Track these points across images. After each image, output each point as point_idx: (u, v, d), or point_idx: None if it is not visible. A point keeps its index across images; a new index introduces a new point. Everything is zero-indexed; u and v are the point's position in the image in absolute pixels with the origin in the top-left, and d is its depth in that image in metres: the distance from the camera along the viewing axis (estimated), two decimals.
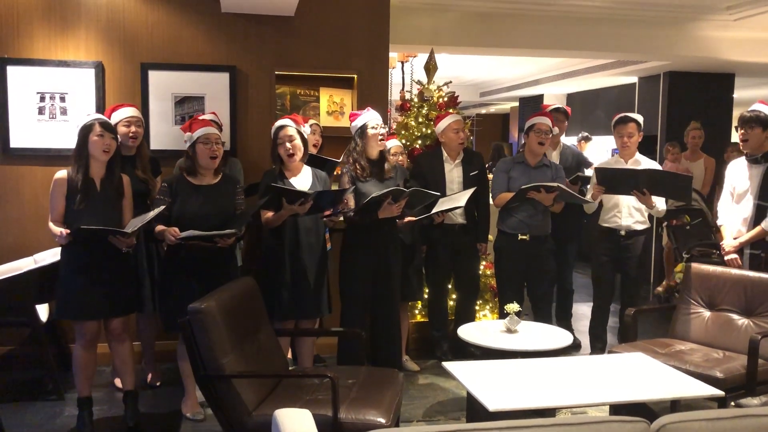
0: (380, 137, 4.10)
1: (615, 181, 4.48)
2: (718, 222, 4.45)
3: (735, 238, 4.24)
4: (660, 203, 4.55)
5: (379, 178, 4.11)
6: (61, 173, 3.54)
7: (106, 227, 3.44)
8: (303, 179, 3.91)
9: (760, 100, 4.24)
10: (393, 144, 4.62)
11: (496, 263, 4.88)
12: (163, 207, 3.55)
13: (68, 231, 3.42)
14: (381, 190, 3.91)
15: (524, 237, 4.60)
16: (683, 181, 4.55)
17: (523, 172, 4.67)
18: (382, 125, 4.14)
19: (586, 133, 9.39)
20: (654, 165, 4.70)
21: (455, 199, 4.47)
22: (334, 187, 4.35)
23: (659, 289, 7.08)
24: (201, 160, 3.66)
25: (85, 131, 3.51)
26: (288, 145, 3.79)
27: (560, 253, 5.11)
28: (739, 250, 4.22)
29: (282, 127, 3.83)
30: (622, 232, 4.67)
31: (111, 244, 3.49)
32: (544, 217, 4.65)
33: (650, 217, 4.85)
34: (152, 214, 3.53)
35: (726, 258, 4.25)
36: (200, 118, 3.87)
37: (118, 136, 3.97)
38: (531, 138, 4.66)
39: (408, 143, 5.19)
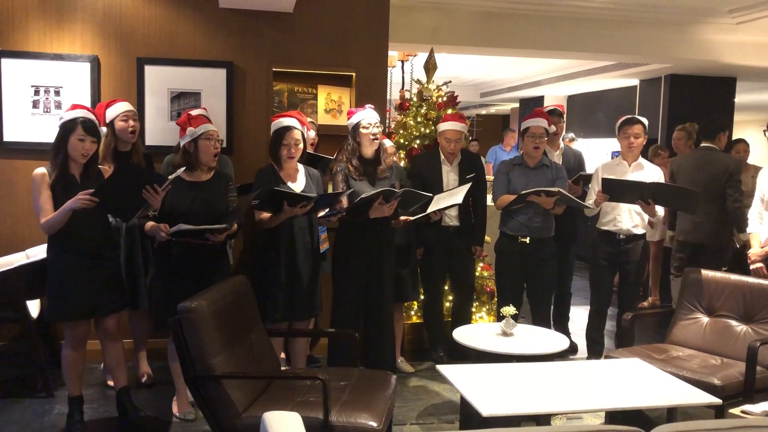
0: (372, 136, 4.03)
1: (620, 190, 4.42)
2: (748, 230, 4.39)
3: (762, 247, 4.19)
4: (660, 210, 4.51)
5: (372, 177, 4.07)
6: (41, 169, 3.40)
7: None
8: (298, 179, 3.87)
9: None
10: (386, 144, 4.55)
11: (497, 265, 4.84)
12: (175, 175, 3.45)
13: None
14: (372, 190, 3.86)
15: (525, 239, 4.56)
16: (692, 195, 4.48)
17: (522, 173, 4.62)
18: (377, 124, 4.06)
19: (572, 134, 9.38)
20: (657, 171, 4.66)
21: (453, 194, 4.38)
22: (328, 186, 4.31)
23: (644, 304, 6.92)
24: (203, 157, 3.62)
25: (66, 131, 3.39)
26: (293, 150, 3.76)
27: (561, 255, 5.06)
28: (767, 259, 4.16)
29: (289, 129, 3.76)
30: (622, 236, 4.63)
31: (101, 242, 3.48)
32: (546, 220, 4.59)
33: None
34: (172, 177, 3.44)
35: (751, 267, 4.18)
36: (194, 113, 3.81)
37: (117, 132, 3.98)
38: (526, 142, 4.61)
39: (406, 143, 5.15)
